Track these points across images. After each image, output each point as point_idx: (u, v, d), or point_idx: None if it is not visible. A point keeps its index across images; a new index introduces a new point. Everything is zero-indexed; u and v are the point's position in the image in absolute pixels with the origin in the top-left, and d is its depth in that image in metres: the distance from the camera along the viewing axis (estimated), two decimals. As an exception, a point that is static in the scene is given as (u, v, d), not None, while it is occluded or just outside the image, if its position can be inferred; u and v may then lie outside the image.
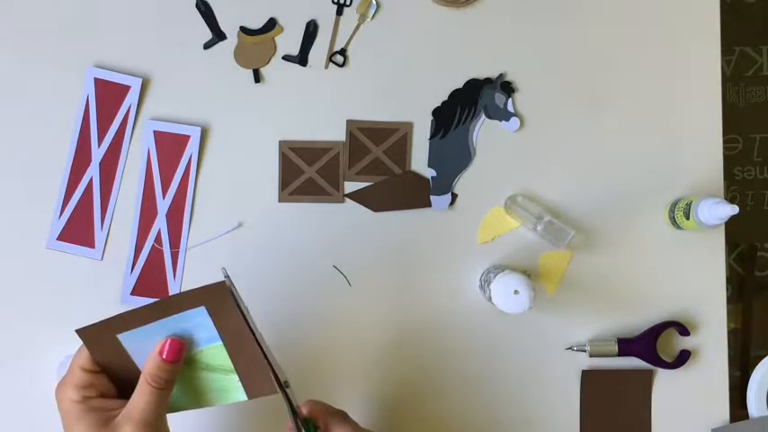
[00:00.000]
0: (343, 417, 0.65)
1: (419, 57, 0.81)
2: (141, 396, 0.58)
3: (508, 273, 0.72)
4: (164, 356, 0.59)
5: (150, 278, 0.79)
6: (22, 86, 0.80)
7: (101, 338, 0.59)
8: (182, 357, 0.60)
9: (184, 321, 0.59)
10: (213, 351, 0.61)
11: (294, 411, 0.62)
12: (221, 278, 0.59)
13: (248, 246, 0.80)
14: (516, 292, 0.71)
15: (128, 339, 0.59)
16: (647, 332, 0.79)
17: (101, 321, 0.58)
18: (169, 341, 0.59)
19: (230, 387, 0.62)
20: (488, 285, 0.73)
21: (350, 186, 0.81)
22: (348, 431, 0.63)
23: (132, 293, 0.79)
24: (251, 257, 0.79)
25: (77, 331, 0.58)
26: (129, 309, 0.59)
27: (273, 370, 0.60)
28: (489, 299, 0.73)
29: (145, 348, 0.59)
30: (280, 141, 0.81)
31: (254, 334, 0.60)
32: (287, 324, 0.79)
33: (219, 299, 0.58)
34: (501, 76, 0.81)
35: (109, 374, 0.60)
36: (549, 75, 0.81)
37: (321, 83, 0.81)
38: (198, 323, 0.59)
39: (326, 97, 0.81)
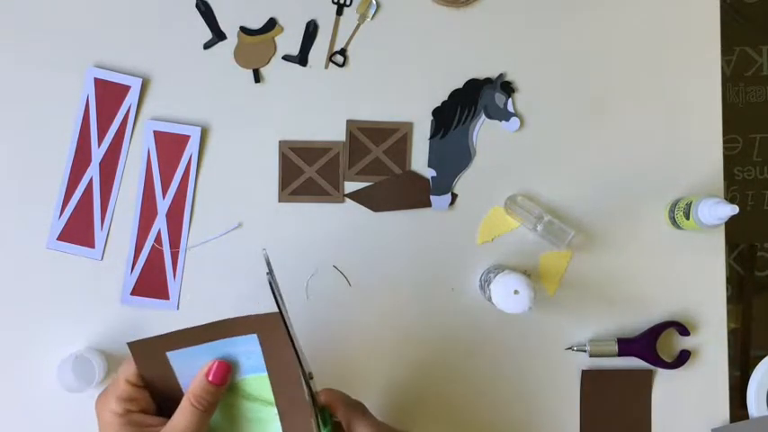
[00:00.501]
0: (362, 410, 0.64)
1: (419, 57, 0.81)
2: (183, 416, 0.58)
3: (508, 273, 0.72)
4: (210, 378, 0.59)
5: (150, 278, 0.79)
6: (21, 86, 0.80)
7: (150, 354, 0.58)
8: (228, 380, 0.59)
9: (234, 346, 0.59)
10: (256, 381, 0.60)
11: (315, 402, 0.61)
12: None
13: (248, 246, 0.79)
14: (516, 292, 0.71)
15: (176, 358, 0.59)
16: (647, 332, 0.79)
17: (153, 337, 0.58)
18: (217, 363, 0.59)
19: (267, 419, 0.61)
20: (488, 285, 0.73)
21: (350, 186, 0.81)
22: (369, 426, 0.63)
23: (132, 293, 0.79)
24: (251, 257, 0.79)
25: (129, 344, 0.58)
26: (186, 327, 0.58)
27: (300, 362, 0.59)
28: (489, 299, 0.73)
29: (191, 368, 0.59)
30: (280, 141, 0.81)
31: (300, 364, 0.58)
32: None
33: (273, 329, 0.58)
34: (501, 76, 0.81)
35: (151, 391, 0.60)
36: (549, 75, 0.81)
37: (321, 83, 0.81)
38: (247, 350, 0.59)
39: (326, 97, 0.81)
